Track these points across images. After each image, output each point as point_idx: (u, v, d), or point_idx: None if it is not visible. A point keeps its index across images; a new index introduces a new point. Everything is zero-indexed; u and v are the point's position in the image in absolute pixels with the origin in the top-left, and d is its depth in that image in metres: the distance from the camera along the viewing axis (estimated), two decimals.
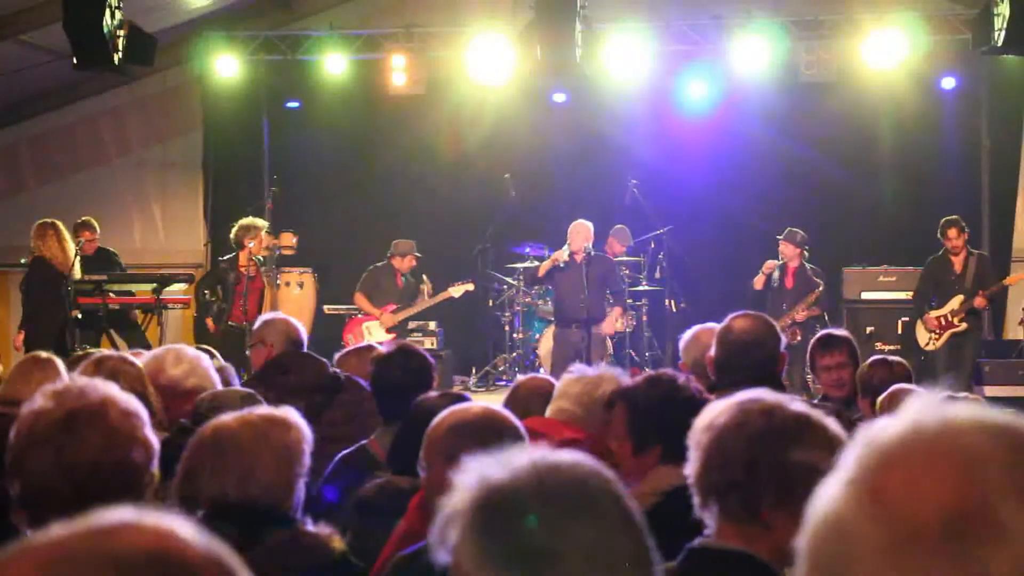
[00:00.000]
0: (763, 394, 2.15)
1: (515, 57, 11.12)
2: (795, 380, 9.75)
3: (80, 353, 5.07)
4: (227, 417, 2.66)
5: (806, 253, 10.62)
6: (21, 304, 9.89)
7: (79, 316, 9.55)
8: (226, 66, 11.76)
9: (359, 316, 11.16)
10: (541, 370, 10.51)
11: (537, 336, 11.39)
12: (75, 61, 9.23)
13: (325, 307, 11.62)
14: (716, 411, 2.12)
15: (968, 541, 0.85)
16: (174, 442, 3.14)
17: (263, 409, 2.73)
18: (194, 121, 12.95)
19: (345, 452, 4.03)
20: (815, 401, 5.09)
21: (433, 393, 3.64)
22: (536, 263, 11.43)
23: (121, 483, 2.14)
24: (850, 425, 4.12)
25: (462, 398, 3.66)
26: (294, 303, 10.96)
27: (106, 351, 4.34)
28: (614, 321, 10.14)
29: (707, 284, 12.11)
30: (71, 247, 9.46)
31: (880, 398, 4.54)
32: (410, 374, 4.12)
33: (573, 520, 1.25)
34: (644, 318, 11.42)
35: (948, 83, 12.02)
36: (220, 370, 4.60)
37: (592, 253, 10.02)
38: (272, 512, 2.56)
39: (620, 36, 11.17)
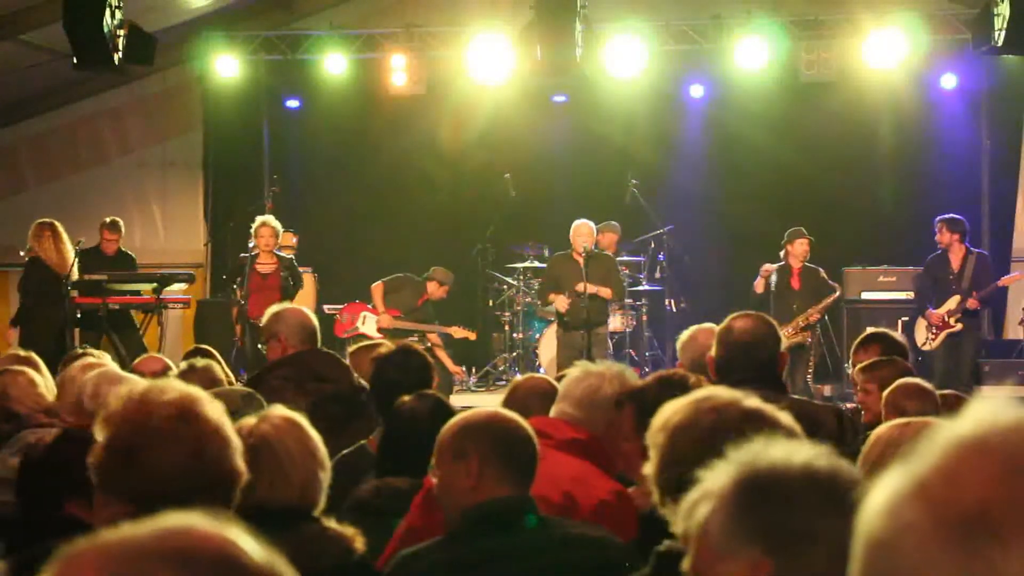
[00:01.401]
0: (717, 391, 2.16)
1: (515, 57, 11.11)
2: (797, 382, 9.73)
3: (77, 352, 5.08)
4: (264, 424, 2.67)
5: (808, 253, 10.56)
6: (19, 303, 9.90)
7: (79, 316, 9.55)
8: (226, 66, 11.75)
9: (362, 303, 11.12)
10: (541, 370, 10.51)
11: (537, 336, 11.38)
12: (75, 61, 9.23)
13: (325, 307, 11.62)
14: (671, 411, 2.13)
15: (980, 539, 0.88)
16: None
17: (281, 412, 2.74)
18: (194, 121, 12.95)
19: (345, 451, 4.03)
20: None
21: (407, 396, 3.65)
22: (535, 263, 11.44)
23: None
24: (851, 423, 4.13)
25: (438, 399, 3.67)
26: (294, 302, 10.94)
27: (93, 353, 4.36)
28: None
29: (707, 284, 12.12)
30: (68, 248, 9.45)
31: (885, 393, 4.54)
32: (410, 374, 4.12)
33: (836, 511, 1.31)
34: (644, 318, 11.42)
35: (948, 82, 12.01)
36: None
37: (592, 252, 10.00)
38: (306, 511, 2.63)
39: (620, 36, 11.17)
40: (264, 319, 5.08)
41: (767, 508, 1.30)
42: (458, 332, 10.83)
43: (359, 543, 2.62)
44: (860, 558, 0.95)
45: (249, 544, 1.02)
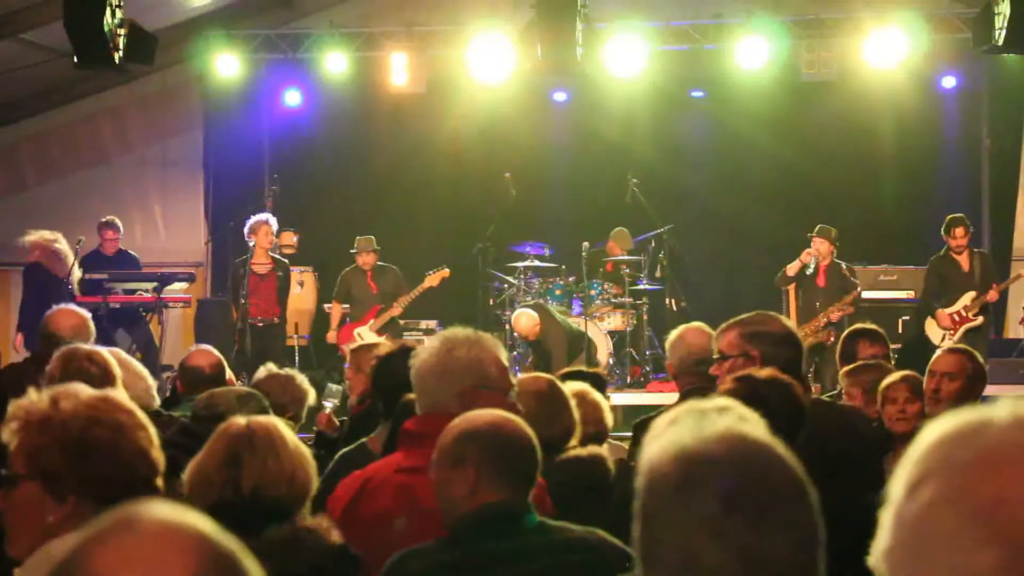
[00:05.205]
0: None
1: (516, 56, 11.11)
2: (826, 380, 9.67)
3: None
4: (254, 421, 2.79)
5: (835, 251, 10.47)
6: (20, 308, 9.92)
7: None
8: (226, 65, 11.74)
9: (349, 322, 11.08)
10: None
11: None
12: (76, 59, 9.24)
13: (325, 306, 11.62)
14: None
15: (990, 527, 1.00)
16: (172, 440, 3.15)
17: (263, 416, 2.88)
18: (194, 120, 12.95)
19: (346, 449, 4.04)
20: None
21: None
22: (536, 262, 11.44)
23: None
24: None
25: None
26: (295, 301, 10.95)
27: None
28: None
29: (707, 283, 12.12)
30: (68, 253, 9.51)
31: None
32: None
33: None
34: (644, 317, 11.41)
35: (949, 82, 12.02)
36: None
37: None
38: (293, 505, 2.71)
39: (621, 35, 11.16)
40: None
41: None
42: (434, 279, 10.79)
43: (335, 535, 2.66)
44: (892, 528, 1.07)
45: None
